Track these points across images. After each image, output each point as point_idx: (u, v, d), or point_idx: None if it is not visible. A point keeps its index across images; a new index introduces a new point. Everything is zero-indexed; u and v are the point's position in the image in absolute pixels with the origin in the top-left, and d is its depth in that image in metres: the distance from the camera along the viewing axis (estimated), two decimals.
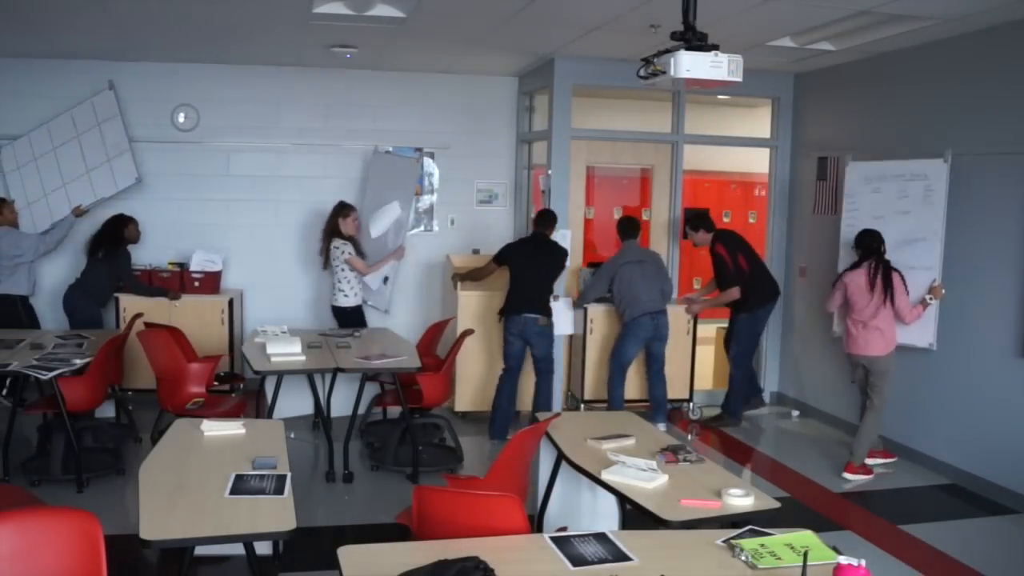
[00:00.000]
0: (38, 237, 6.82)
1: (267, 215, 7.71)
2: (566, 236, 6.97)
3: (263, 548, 3.61)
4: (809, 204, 7.18)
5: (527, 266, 6.22)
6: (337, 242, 6.64)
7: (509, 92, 8.05)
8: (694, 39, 3.61)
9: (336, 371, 5.42)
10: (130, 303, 6.93)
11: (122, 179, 7.21)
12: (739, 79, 3.57)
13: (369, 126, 7.80)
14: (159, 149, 7.44)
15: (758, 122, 7.99)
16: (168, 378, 5.43)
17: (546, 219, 6.37)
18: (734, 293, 6.68)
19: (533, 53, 6.96)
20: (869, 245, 5.63)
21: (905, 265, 5.69)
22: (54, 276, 7.25)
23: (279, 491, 3.06)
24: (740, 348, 6.86)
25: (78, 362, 5.15)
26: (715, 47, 3.58)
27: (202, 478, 3.20)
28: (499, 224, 8.06)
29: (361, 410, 5.77)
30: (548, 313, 6.26)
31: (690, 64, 3.51)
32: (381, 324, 7.20)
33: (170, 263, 7.35)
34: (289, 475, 3.20)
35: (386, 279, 7.47)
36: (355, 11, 5.52)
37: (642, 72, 3.73)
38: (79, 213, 7.01)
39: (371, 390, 6.00)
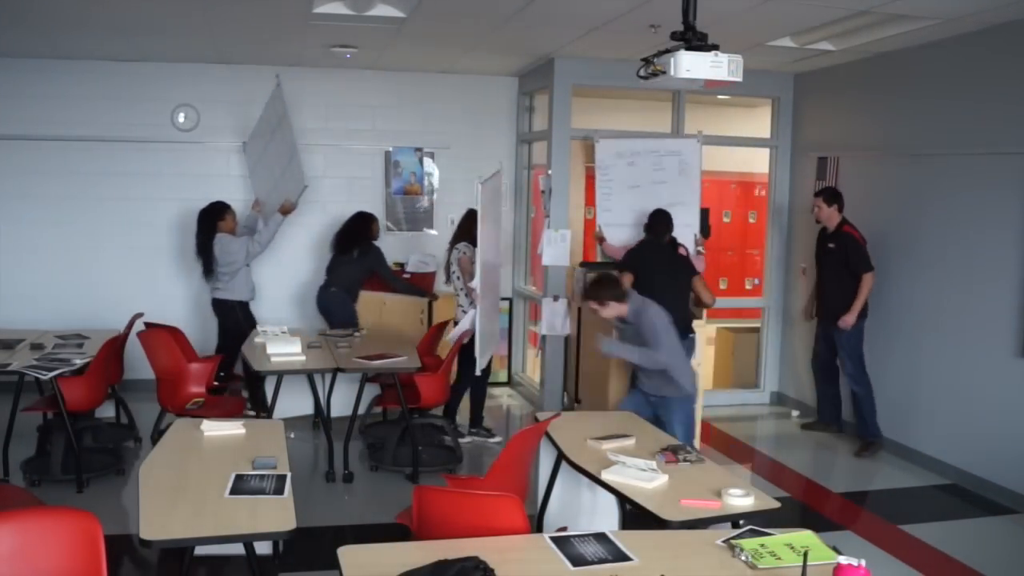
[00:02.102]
0: (248, 240, 6.71)
1: None
2: (566, 236, 6.97)
3: (263, 548, 3.61)
4: (809, 204, 7.18)
5: (664, 278, 5.46)
6: (461, 245, 6.19)
7: (509, 92, 8.05)
8: (694, 39, 3.62)
9: (336, 371, 5.43)
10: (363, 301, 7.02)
11: (299, 183, 7.08)
12: (739, 79, 3.57)
13: (369, 126, 7.80)
14: (159, 149, 7.45)
15: (758, 122, 7.99)
16: (168, 378, 5.43)
17: (665, 221, 5.73)
18: (870, 280, 5.97)
19: (533, 53, 6.96)
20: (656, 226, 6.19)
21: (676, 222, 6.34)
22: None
23: (279, 491, 3.06)
24: (856, 364, 6.17)
25: (78, 362, 5.15)
26: (715, 47, 3.58)
27: (202, 478, 3.20)
28: None
29: (361, 410, 5.77)
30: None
31: (690, 64, 3.52)
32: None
33: (395, 263, 7.44)
34: (289, 475, 3.21)
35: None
36: (355, 11, 5.52)
37: (642, 72, 3.73)
38: (286, 211, 6.90)
39: (371, 390, 6.00)
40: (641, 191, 6.92)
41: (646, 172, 7.02)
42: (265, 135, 7.26)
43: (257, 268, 7.02)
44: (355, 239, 6.84)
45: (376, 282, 7.02)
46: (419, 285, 7.26)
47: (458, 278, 6.20)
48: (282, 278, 7.65)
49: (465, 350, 6.01)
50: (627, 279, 5.53)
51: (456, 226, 6.46)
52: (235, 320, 6.66)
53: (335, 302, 6.79)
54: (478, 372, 5.77)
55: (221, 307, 6.72)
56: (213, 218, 6.62)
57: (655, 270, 5.55)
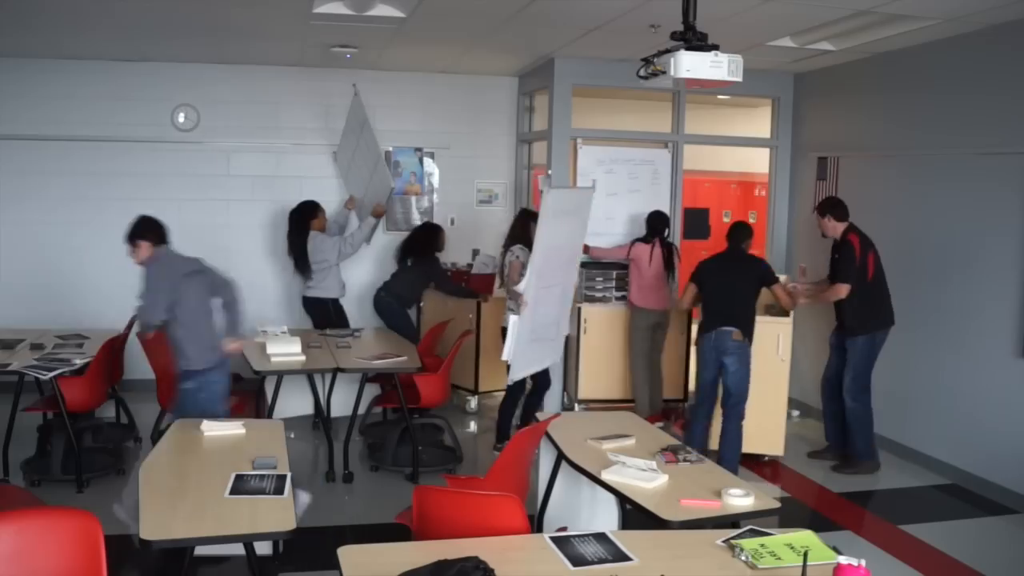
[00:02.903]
0: (340, 239, 6.90)
1: (268, 215, 7.70)
2: None
3: (263, 548, 3.61)
4: (809, 204, 7.17)
5: (719, 282, 5.60)
6: (516, 248, 5.95)
7: (509, 92, 8.05)
8: (694, 39, 3.62)
9: (336, 371, 5.43)
10: (430, 300, 7.35)
11: (386, 186, 7.18)
12: (739, 79, 3.58)
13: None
14: (159, 149, 7.45)
15: (758, 122, 7.99)
16: (168, 378, 5.42)
17: (741, 233, 5.71)
18: (841, 291, 5.70)
19: (533, 53, 6.96)
20: (655, 226, 6.71)
21: (642, 231, 6.79)
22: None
23: (279, 491, 3.06)
24: (858, 378, 5.82)
25: (78, 362, 5.16)
26: (715, 47, 3.59)
27: (202, 478, 3.20)
28: (499, 224, 8.05)
29: (361, 410, 5.77)
30: (746, 332, 5.51)
31: (690, 64, 3.52)
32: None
33: (467, 263, 7.65)
34: (289, 475, 3.20)
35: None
36: (355, 11, 5.52)
37: (642, 72, 3.73)
38: (378, 213, 7.04)
39: (371, 390, 6.00)
40: (617, 199, 7.15)
41: (622, 180, 7.24)
42: (352, 142, 7.38)
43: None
44: (412, 249, 6.98)
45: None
46: (478, 285, 7.32)
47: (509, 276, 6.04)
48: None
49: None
50: (691, 289, 5.72)
51: (511, 226, 6.26)
52: (327, 317, 6.83)
53: (385, 308, 6.93)
54: (509, 382, 5.65)
55: (313, 304, 6.89)
56: (306, 217, 6.81)
57: (717, 276, 5.62)
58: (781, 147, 7.57)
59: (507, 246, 6.10)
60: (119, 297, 7.08)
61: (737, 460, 5.52)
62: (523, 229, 5.97)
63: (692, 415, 5.82)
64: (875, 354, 5.83)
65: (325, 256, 6.76)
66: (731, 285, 5.56)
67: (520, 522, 2.80)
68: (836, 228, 5.84)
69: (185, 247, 7.43)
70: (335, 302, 6.97)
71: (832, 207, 5.87)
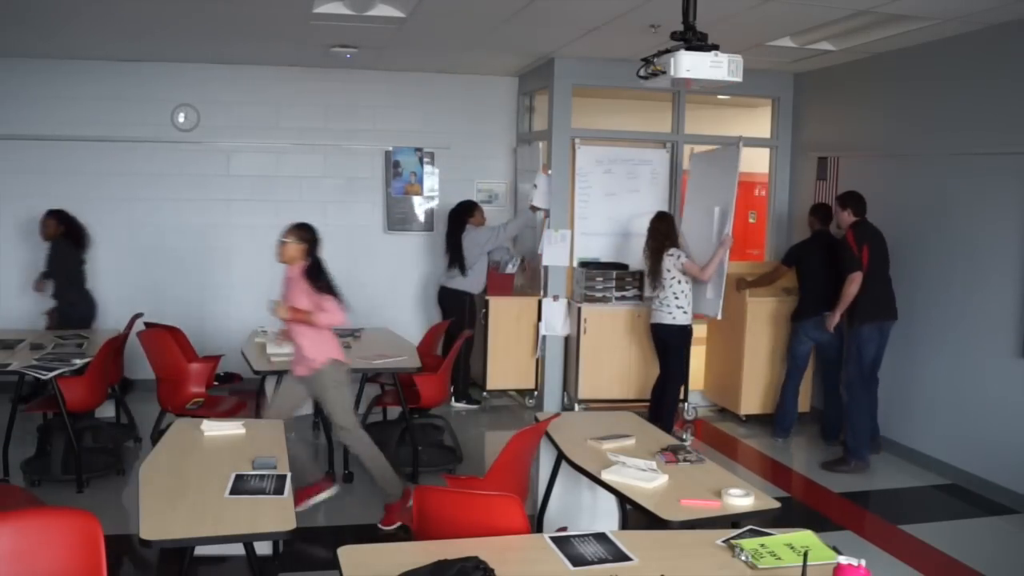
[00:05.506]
0: (493, 228, 7.14)
1: (267, 215, 7.70)
2: (566, 236, 6.98)
3: (263, 548, 3.61)
4: (809, 204, 7.17)
5: (817, 266, 6.24)
6: (672, 251, 6.20)
7: (509, 92, 8.05)
8: (694, 39, 3.62)
9: None
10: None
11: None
12: (739, 79, 3.58)
13: (369, 126, 7.80)
14: (159, 149, 7.45)
15: (758, 122, 7.99)
16: (168, 378, 5.43)
17: (824, 215, 6.39)
18: (856, 279, 5.73)
19: (533, 53, 6.97)
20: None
21: (642, 231, 6.48)
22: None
23: (279, 491, 3.06)
24: (847, 369, 6.12)
25: (78, 362, 5.16)
26: (715, 47, 3.59)
27: (202, 478, 3.20)
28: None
29: (361, 410, 5.77)
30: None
31: (690, 64, 3.52)
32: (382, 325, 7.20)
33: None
34: (289, 475, 3.21)
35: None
36: (355, 11, 5.52)
37: (642, 72, 3.73)
38: (547, 170, 7.10)
39: (371, 390, 6.00)
40: (616, 199, 7.18)
41: (621, 180, 7.24)
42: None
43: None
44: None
45: None
46: (495, 286, 7.38)
47: (677, 280, 6.16)
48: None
49: (671, 347, 6.29)
50: (781, 270, 6.46)
51: (653, 231, 6.29)
52: (460, 310, 7.02)
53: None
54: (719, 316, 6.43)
55: (449, 296, 7.13)
56: (463, 215, 7.14)
57: (808, 264, 6.34)
58: (781, 147, 7.57)
59: (661, 251, 6.20)
60: (119, 297, 7.14)
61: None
62: (670, 231, 6.28)
63: (785, 386, 6.50)
64: (865, 348, 5.83)
65: (477, 242, 7.02)
66: (827, 268, 6.10)
67: (520, 522, 2.80)
68: (848, 221, 5.94)
69: (185, 247, 7.54)
70: (472, 298, 7.13)
71: (855, 201, 5.96)
